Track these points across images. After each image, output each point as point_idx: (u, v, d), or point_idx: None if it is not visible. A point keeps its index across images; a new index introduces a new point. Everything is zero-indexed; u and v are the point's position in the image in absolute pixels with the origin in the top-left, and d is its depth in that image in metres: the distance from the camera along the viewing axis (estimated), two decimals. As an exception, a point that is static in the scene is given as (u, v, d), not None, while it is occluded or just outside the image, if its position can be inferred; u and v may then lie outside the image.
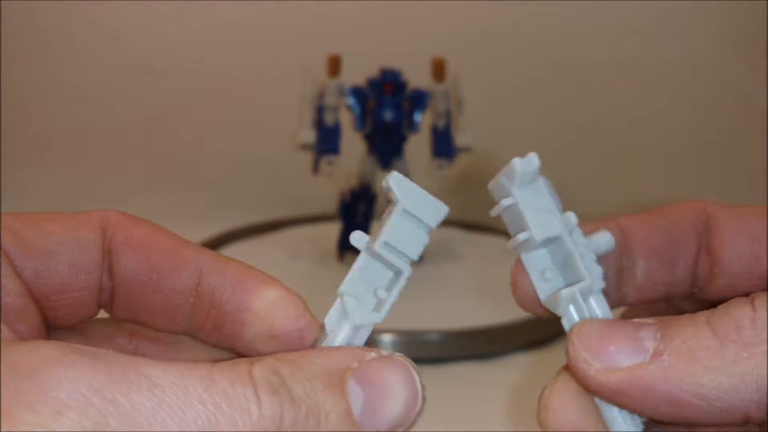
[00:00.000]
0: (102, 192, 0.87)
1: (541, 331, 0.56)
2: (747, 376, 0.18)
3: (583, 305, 0.21)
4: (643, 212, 0.24)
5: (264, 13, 0.90)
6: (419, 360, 0.21)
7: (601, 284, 0.21)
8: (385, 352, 0.20)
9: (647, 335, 0.19)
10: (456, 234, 0.79)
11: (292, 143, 0.69)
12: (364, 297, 0.22)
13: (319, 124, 0.67)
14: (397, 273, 0.22)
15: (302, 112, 0.68)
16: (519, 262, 0.23)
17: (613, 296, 0.24)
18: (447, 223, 0.85)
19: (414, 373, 0.19)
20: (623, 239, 0.23)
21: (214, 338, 0.23)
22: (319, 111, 0.68)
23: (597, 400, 0.20)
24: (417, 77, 0.69)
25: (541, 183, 0.22)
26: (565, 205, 0.23)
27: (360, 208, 0.70)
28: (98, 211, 0.23)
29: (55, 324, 0.22)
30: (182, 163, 0.90)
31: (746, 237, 0.23)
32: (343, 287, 0.22)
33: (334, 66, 0.68)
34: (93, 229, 0.22)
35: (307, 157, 0.70)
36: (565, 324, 0.21)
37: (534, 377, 0.51)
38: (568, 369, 0.21)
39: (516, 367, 0.53)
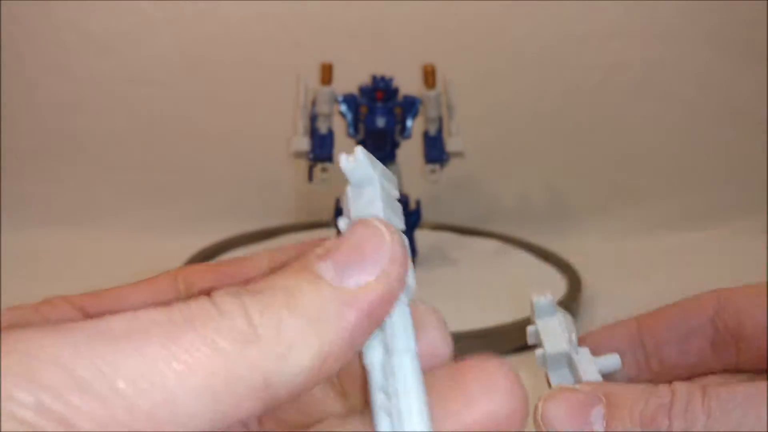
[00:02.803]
0: (99, 202, 0.88)
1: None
2: None
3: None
4: (662, 308, 0.28)
5: (256, 23, 0.90)
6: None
7: None
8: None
9: (596, 417, 0.23)
10: (449, 238, 0.80)
11: (286, 151, 0.70)
12: None
13: (313, 132, 0.68)
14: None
15: (296, 120, 0.69)
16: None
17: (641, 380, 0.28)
18: (440, 227, 0.85)
19: (379, 225, 0.17)
20: (640, 335, 0.28)
21: None
22: (313, 119, 0.68)
23: None
24: (408, 84, 0.70)
25: (559, 315, 0.28)
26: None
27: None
28: None
29: None
30: (178, 173, 0.90)
31: (762, 311, 0.26)
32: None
33: (327, 74, 0.68)
34: (162, 277, 0.22)
35: (302, 165, 0.70)
36: None
37: (528, 380, 0.52)
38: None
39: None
